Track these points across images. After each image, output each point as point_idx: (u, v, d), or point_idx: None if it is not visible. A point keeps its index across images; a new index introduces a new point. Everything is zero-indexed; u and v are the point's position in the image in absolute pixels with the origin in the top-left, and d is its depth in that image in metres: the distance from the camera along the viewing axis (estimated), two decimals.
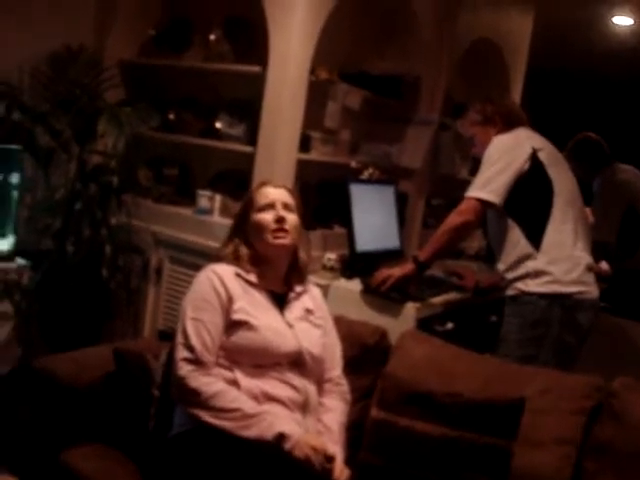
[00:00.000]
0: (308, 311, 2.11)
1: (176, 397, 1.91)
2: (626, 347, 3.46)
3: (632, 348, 3.45)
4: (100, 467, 1.99)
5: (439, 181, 3.87)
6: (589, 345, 2.78)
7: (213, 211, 3.22)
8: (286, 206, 2.07)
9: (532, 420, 1.93)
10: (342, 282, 2.93)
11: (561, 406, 1.98)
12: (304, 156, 3.13)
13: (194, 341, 1.89)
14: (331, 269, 2.92)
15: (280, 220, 2.03)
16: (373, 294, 2.76)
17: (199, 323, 1.92)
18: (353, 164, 3.32)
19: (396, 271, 2.74)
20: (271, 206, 2.05)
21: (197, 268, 2.13)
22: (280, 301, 2.07)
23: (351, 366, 2.19)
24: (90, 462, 2.00)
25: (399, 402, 1.95)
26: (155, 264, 3.34)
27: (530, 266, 2.63)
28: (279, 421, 1.82)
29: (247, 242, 2.07)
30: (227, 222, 2.45)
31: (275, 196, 2.07)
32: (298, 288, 2.12)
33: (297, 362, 1.99)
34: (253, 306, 1.99)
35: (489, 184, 2.63)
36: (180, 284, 3.19)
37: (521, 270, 2.65)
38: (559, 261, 2.63)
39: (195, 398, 1.84)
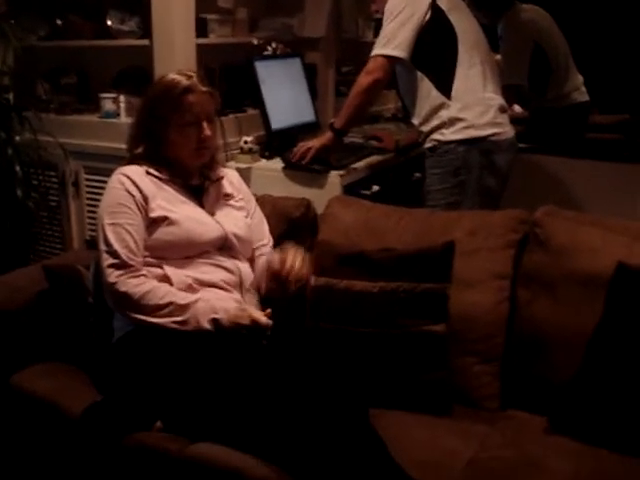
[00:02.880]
0: (227, 196, 2.10)
1: (110, 304, 1.91)
2: (548, 183, 3.56)
3: (553, 182, 3.55)
4: (53, 384, 1.98)
5: (346, 47, 3.79)
6: (512, 187, 2.85)
7: (120, 113, 3.11)
8: (209, 118, 1.98)
9: (464, 262, 1.99)
10: (263, 163, 2.91)
11: (490, 243, 2.04)
12: (203, 41, 3.01)
13: (117, 246, 1.87)
14: (250, 152, 2.89)
15: (204, 139, 1.97)
16: (296, 169, 2.75)
17: (118, 227, 1.89)
18: (255, 41, 3.22)
19: (315, 142, 2.73)
20: (195, 122, 1.95)
21: None
22: (197, 192, 2.05)
23: (282, 241, 2.19)
24: (42, 380, 1.99)
25: (335, 266, 1.98)
26: (71, 177, 3.24)
27: (444, 115, 2.64)
28: (212, 306, 1.84)
29: (160, 144, 2.00)
30: None
31: (200, 109, 1.95)
32: (213, 176, 2.10)
33: (224, 246, 2.00)
34: (169, 201, 1.96)
35: (393, 39, 2.59)
36: (100, 192, 3.06)
37: (435, 121, 2.66)
38: (471, 106, 2.64)
39: (128, 302, 1.85)
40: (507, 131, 2.73)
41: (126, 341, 1.90)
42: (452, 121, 2.63)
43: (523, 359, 1.96)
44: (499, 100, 2.74)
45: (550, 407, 1.83)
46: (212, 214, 2.02)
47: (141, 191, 1.94)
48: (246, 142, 2.90)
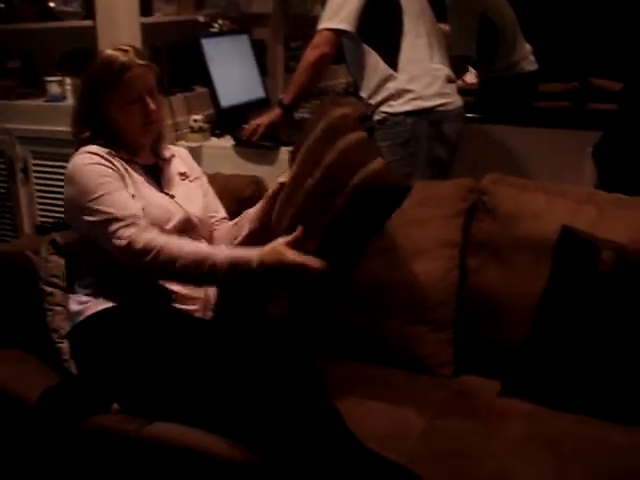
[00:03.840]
0: (182, 174, 2.07)
1: (134, 266, 1.79)
2: (499, 151, 3.60)
3: (504, 151, 3.59)
4: (7, 370, 1.95)
5: (294, 22, 3.77)
6: (463, 156, 2.87)
7: (66, 96, 3.07)
8: (152, 92, 1.92)
9: (415, 231, 2.03)
10: (213, 141, 2.91)
11: (439, 213, 2.06)
12: (148, 20, 2.97)
13: (115, 210, 1.77)
14: (200, 130, 2.87)
15: (148, 114, 1.91)
16: (246, 146, 2.76)
17: (109, 195, 1.80)
18: (201, 19, 3.18)
19: (264, 119, 2.72)
20: (138, 98, 1.89)
21: (63, 158, 2.01)
22: (154, 172, 2.01)
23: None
24: None
25: None
26: (19, 163, 3.20)
27: (391, 87, 2.65)
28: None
29: (105, 125, 1.93)
30: None
31: (141, 83, 1.88)
32: (166, 154, 2.07)
33: (186, 228, 1.95)
34: (135, 185, 1.90)
35: (339, 12, 2.59)
36: (49, 177, 3.09)
37: (383, 93, 2.67)
38: (418, 77, 2.66)
39: (147, 256, 1.73)
40: (455, 101, 2.75)
41: (81, 326, 1.88)
42: (400, 93, 2.65)
43: (475, 325, 2.00)
44: (446, 70, 2.76)
45: (503, 371, 1.87)
46: (172, 196, 1.98)
47: (115, 167, 1.87)
48: (196, 121, 2.88)
